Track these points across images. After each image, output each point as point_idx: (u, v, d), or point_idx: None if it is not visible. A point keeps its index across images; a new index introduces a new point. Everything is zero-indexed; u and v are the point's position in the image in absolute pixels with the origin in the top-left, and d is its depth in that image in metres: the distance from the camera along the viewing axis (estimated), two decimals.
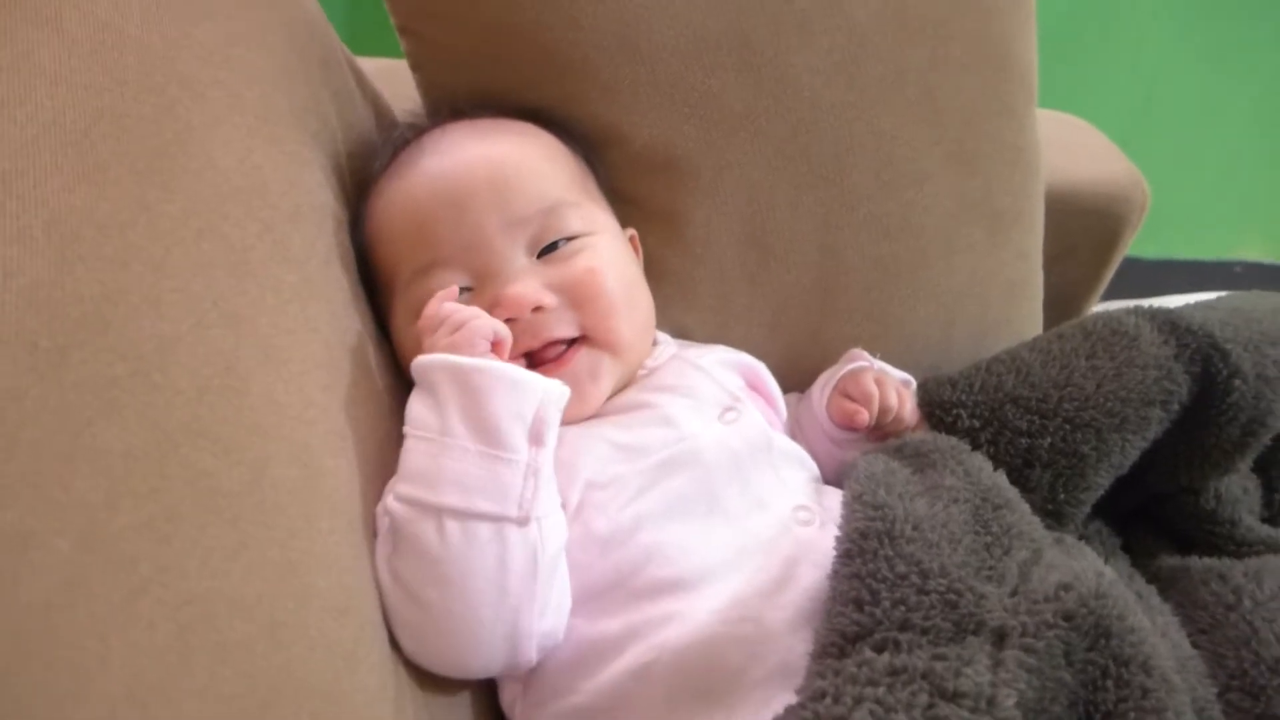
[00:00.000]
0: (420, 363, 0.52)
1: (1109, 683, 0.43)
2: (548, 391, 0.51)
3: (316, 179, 0.57)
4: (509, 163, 0.60)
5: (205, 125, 0.46)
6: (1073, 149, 1.01)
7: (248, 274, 0.46)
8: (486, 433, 0.48)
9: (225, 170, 0.47)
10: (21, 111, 0.37)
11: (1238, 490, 0.68)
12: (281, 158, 0.52)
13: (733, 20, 0.68)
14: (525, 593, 0.48)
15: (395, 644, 0.48)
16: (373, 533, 0.50)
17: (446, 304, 0.54)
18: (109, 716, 0.33)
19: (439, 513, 0.47)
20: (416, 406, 0.51)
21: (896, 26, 0.72)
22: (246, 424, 0.43)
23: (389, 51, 0.73)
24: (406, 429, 0.50)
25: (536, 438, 0.49)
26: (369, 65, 0.74)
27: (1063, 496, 0.63)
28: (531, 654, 0.49)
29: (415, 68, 0.71)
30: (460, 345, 0.51)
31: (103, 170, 0.39)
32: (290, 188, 0.52)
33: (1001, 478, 0.57)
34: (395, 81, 0.73)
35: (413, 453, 0.49)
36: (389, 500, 0.49)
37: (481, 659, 0.49)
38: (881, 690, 0.40)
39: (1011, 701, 0.39)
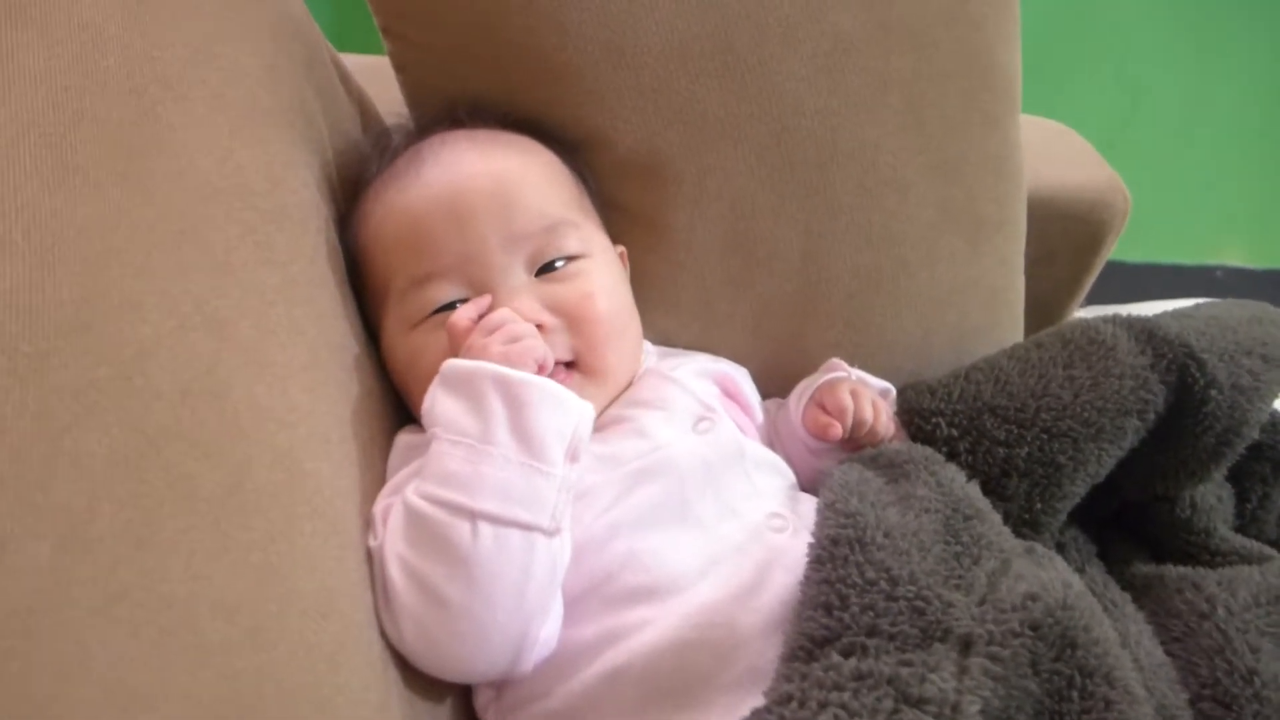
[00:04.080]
0: (461, 367, 0.52)
1: (1074, 693, 0.43)
2: (584, 412, 0.52)
3: (302, 178, 0.56)
4: (512, 178, 0.61)
5: (187, 126, 0.46)
6: (1055, 155, 1.02)
7: (230, 276, 0.46)
8: (531, 446, 0.49)
9: (206, 172, 0.47)
10: (2, 113, 0.37)
11: (1212, 499, 0.69)
12: (265, 158, 0.52)
13: (717, 26, 0.68)
14: (540, 601, 0.49)
15: (384, 646, 0.49)
16: (360, 534, 0.50)
17: (499, 313, 0.55)
18: None
19: (474, 516, 0.48)
20: (450, 410, 0.51)
21: (881, 35, 0.72)
22: (228, 427, 0.43)
23: (377, 49, 0.72)
24: (437, 431, 0.50)
25: (573, 455, 0.51)
26: (355, 62, 0.73)
27: (1039, 506, 0.63)
28: (531, 662, 0.50)
29: (399, 68, 0.71)
30: (515, 358, 0.52)
31: (83, 173, 0.39)
32: (274, 188, 0.52)
33: (974, 489, 0.58)
34: (381, 79, 0.73)
35: (447, 456, 0.49)
36: (412, 498, 0.49)
37: (487, 661, 0.50)
38: (846, 695, 0.40)
39: (975, 709, 0.40)
